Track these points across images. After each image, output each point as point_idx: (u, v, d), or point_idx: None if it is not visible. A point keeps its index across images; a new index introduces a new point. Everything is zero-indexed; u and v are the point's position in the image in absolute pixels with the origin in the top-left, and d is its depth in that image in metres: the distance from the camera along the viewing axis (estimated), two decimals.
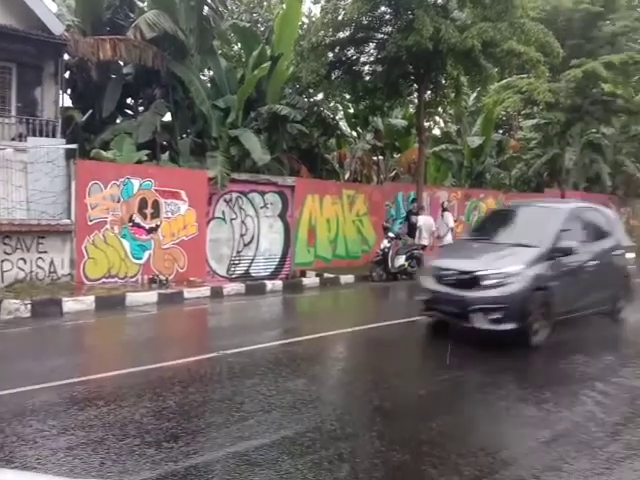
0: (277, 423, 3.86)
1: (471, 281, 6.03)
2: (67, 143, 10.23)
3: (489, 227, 7.73)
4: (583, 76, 15.95)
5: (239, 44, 17.86)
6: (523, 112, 22.48)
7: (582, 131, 21.21)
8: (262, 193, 12.34)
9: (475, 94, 21.13)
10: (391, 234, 12.56)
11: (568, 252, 6.21)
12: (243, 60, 16.52)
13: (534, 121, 21.53)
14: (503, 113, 21.52)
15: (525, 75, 16.31)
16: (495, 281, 5.92)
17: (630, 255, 7.96)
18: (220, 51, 16.49)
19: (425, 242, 13.37)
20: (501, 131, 25.39)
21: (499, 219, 8.04)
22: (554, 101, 16.40)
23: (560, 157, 20.17)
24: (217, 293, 9.86)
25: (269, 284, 10.76)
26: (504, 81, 18.08)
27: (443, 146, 20.83)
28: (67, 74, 13.28)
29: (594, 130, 21.43)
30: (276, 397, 4.39)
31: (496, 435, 3.88)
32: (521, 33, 12.16)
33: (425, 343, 7.10)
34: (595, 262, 6.74)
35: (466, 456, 3.46)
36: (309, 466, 3.23)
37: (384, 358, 5.98)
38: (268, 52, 14.71)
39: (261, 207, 12.31)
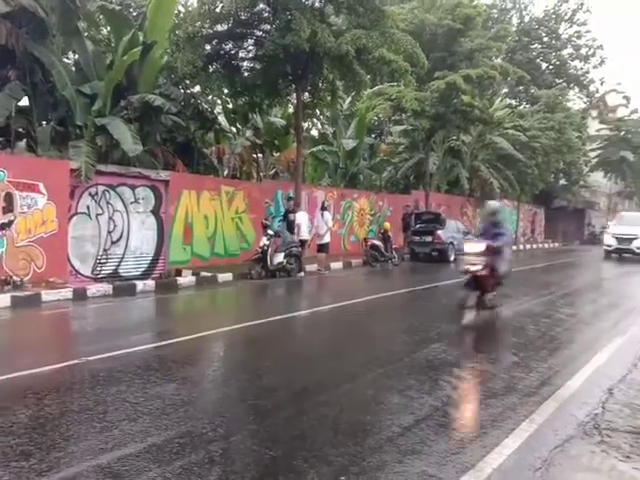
0: (144, 431, 3.67)
1: None
2: None
3: None
4: (445, 87, 17.39)
5: (108, 28, 16.69)
6: (393, 118, 23.89)
7: (444, 138, 23.11)
8: (133, 187, 11.69)
9: (350, 98, 21.98)
10: (270, 232, 12.61)
11: None
12: (112, 45, 15.46)
13: (402, 127, 23.01)
14: (375, 118, 22.68)
15: (395, 83, 17.34)
16: None
17: None
18: (87, 34, 15.28)
19: (306, 237, 13.64)
20: (373, 135, 26.71)
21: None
22: (420, 109, 17.69)
23: (425, 161, 21.78)
24: (81, 295, 9.16)
25: (140, 284, 10.24)
26: (376, 88, 19.07)
27: (320, 147, 21.42)
28: None
29: (454, 137, 23.46)
30: (143, 404, 4.17)
31: (364, 423, 4.05)
32: (391, 42, 12.89)
33: (301, 339, 7.23)
34: None
35: (336, 446, 3.57)
36: (178, 472, 3.11)
37: (260, 356, 5.98)
38: (140, 38, 13.94)
39: (131, 202, 11.66)
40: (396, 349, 6.45)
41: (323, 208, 14.96)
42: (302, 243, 13.36)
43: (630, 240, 19.59)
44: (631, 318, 8.39)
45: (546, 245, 31.49)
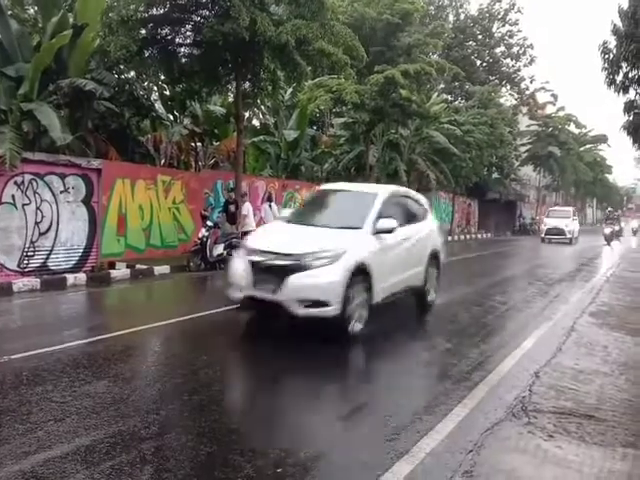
0: (71, 431, 3.50)
1: None
2: None
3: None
4: (384, 81, 17.59)
5: (36, 8, 15.71)
6: (334, 110, 23.93)
7: (383, 131, 23.43)
8: (62, 176, 11.09)
9: (291, 89, 21.83)
10: (210, 223, 12.35)
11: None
12: (40, 26, 14.55)
13: (343, 119, 23.13)
14: (316, 110, 22.64)
15: (335, 76, 17.36)
16: None
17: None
18: (10, 12, 14.31)
19: (253, 228, 13.42)
20: (315, 127, 26.67)
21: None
22: (360, 102, 17.82)
23: (365, 154, 22.02)
24: (5, 290, 8.65)
25: (71, 278, 9.77)
26: (317, 79, 19.02)
27: (261, 137, 21.17)
28: None
29: (393, 131, 23.83)
30: (71, 403, 3.97)
31: (301, 415, 4.06)
32: (331, 34, 12.87)
33: (238, 332, 7.13)
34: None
35: (272, 439, 3.56)
36: (107, 473, 2.99)
37: (197, 350, 5.83)
38: (70, 20, 13.21)
39: (61, 191, 11.06)
40: (329, 348, 6.49)
41: (269, 199, 14.74)
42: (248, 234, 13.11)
43: (279, 272, 5.76)
44: (556, 304, 8.87)
45: (480, 236, 32.74)
